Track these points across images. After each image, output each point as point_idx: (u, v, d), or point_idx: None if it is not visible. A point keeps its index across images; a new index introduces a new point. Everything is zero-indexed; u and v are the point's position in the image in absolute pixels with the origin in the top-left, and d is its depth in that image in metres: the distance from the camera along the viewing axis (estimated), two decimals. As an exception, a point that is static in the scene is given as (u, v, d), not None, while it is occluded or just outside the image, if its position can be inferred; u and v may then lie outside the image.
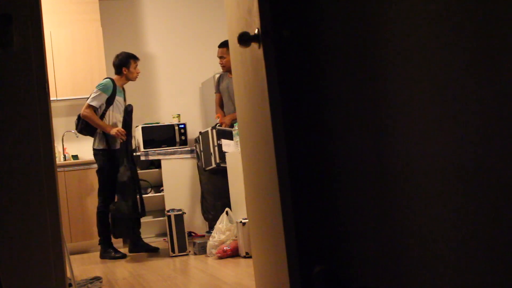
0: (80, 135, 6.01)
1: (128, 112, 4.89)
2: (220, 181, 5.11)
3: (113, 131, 4.76)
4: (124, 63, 4.93)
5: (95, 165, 5.18)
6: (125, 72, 4.94)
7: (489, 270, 1.48)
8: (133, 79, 4.99)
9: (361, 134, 1.97)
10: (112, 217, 4.73)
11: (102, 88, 4.85)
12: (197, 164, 5.61)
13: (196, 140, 5.64)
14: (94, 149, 4.92)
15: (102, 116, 4.86)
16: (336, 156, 2.13)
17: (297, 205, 2.24)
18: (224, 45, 5.10)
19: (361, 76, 1.94)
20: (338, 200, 2.14)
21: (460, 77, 1.51)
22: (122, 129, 4.79)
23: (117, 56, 4.99)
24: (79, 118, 4.90)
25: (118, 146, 4.88)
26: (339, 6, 2.03)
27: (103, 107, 4.86)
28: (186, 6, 6.71)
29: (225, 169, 4.88)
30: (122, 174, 4.74)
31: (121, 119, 4.93)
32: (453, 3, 1.52)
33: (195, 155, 5.91)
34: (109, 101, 4.86)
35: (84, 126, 4.89)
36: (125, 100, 5.09)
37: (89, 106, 4.81)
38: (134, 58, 4.98)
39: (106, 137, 4.84)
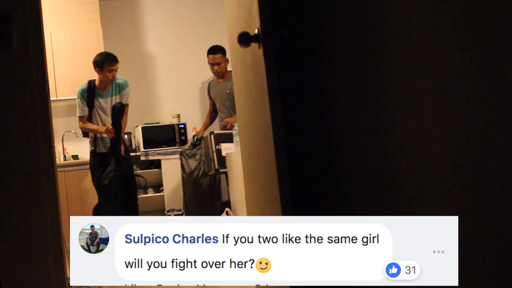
0: (80, 135, 6.04)
1: (114, 111, 4.76)
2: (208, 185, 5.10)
3: (103, 131, 4.74)
4: (98, 64, 4.77)
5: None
6: (98, 73, 4.79)
7: (489, 270, 1.48)
8: (108, 82, 4.80)
9: (361, 133, 1.97)
10: None
11: (78, 96, 4.83)
12: (182, 176, 5.53)
13: (182, 153, 5.58)
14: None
15: (89, 121, 4.84)
16: (337, 156, 2.13)
17: (297, 205, 2.24)
18: (219, 50, 4.99)
19: (361, 76, 1.94)
20: (338, 201, 2.14)
21: (460, 76, 1.51)
22: (110, 127, 4.71)
23: (96, 55, 4.86)
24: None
25: (103, 149, 4.82)
26: (339, 6, 2.03)
27: (87, 112, 4.82)
28: (186, 6, 6.71)
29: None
30: (105, 176, 4.69)
31: (109, 120, 4.84)
32: (454, 3, 1.52)
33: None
34: (89, 106, 4.81)
35: (84, 132, 4.98)
36: (119, 95, 4.88)
37: (79, 117, 4.85)
38: (110, 60, 4.76)
39: (94, 140, 4.84)
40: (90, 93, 4.79)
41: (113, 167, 4.69)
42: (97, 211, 4.69)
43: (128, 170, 4.87)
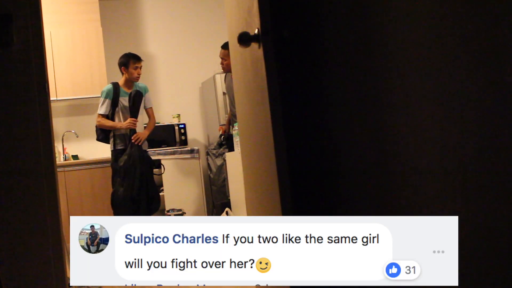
0: (80, 135, 6.05)
1: (130, 98, 4.94)
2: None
3: (124, 125, 4.88)
4: (124, 63, 5.00)
5: (96, 165, 5.23)
6: (124, 72, 4.99)
7: (489, 270, 1.48)
8: (134, 79, 5.01)
9: (361, 134, 1.97)
10: (111, 204, 4.80)
11: (103, 95, 4.97)
12: (209, 176, 5.51)
13: (208, 153, 5.59)
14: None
15: (112, 120, 4.97)
16: (337, 155, 2.13)
17: (297, 205, 2.24)
18: (227, 47, 5.06)
19: (361, 76, 1.94)
20: (338, 201, 2.14)
21: (460, 77, 1.51)
22: (130, 118, 4.89)
23: (120, 56, 5.07)
24: (96, 128, 5.05)
25: (122, 146, 4.92)
26: (339, 6, 2.03)
27: (111, 111, 4.96)
28: (186, 6, 6.70)
29: None
30: (121, 159, 4.81)
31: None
32: (454, 3, 1.52)
33: (196, 154, 5.92)
34: (114, 105, 4.95)
35: (99, 135, 5.04)
36: (143, 97, 5.11)
37: (99, 115, 4.97)
38: (134, 58, 5.01)
39: (114, 139, 4.93)
40: (115, 93, 4.94)
41: (129, 150, 4.81)
42: (113, 195, 4.77)
43: (144, 154, 4.95)
